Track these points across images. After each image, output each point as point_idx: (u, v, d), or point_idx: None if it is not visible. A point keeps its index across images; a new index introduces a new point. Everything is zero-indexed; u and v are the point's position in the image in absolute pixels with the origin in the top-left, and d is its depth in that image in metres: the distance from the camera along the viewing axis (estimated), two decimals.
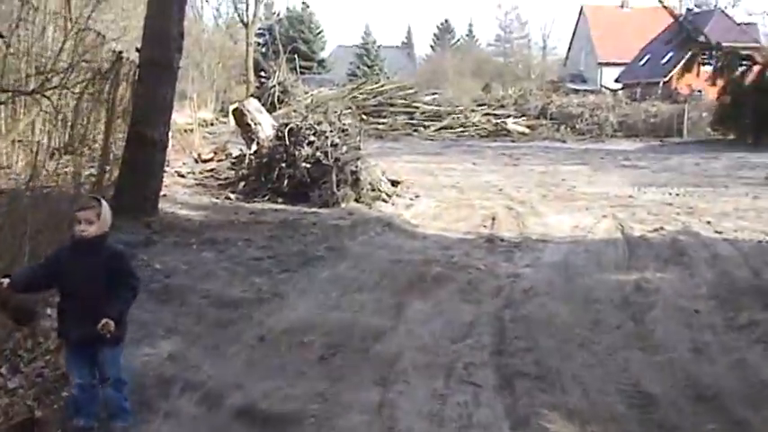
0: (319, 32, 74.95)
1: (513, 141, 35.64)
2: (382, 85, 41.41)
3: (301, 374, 5.92)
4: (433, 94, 43.34)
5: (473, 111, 40.09)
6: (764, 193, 16.19)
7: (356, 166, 14.67)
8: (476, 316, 7.55)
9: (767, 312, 7.66)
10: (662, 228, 12.41)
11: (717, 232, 12.07)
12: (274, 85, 39.93)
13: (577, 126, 38.87)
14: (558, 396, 5.58)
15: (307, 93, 39.52)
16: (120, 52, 11.21)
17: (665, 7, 9.04)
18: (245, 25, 53.18)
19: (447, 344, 6.70)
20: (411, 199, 15.64)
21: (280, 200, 14.32)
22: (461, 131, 38.25)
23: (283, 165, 14.64)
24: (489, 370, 6.09)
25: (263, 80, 46.57)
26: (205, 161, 19.93)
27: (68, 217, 5.26)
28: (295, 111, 19.29)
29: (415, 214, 13.94)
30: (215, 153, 20.98)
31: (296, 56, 52.09)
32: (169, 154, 15.47)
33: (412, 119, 38.83)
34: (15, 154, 9.29)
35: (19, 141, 9.18)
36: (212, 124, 36.85)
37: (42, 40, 11.09)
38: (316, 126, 15.14)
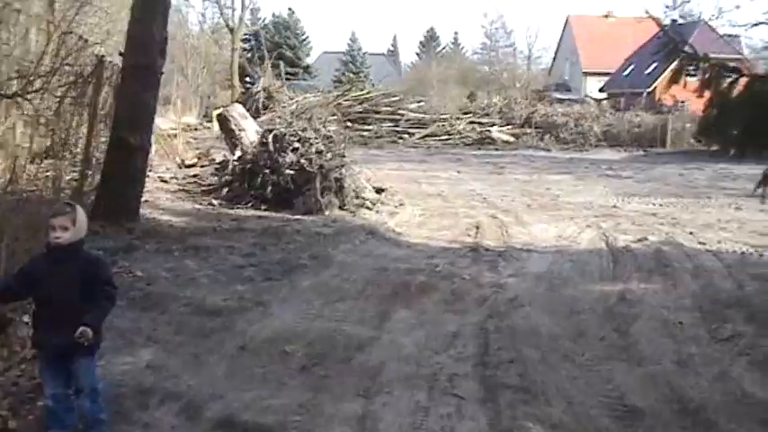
0: (305, 39, 74.90)
1: (497, 150, 35.69)
2: (368, 93, 41.39)
3: (283, 385, 5.85)
4: (419, 101, 43.31)
5: (458, 119, 40.11)
6: (747, 204, 16.25)
7: (340, 174, 14.62)
8: (460, 326, 7.51)
9: (750, 325, 7.67)
10: (646, 238, 12.43)
11: (700, 243, 12.11)
12: (259, 91, 39.88)
13: (562, 135, 38.96)
14: (541, 408, 5.54)
15: (292, 99, 39.39)
16: (103, 56, 11.13)
17: (652, 18, 9.03)
18: (231, 30, 53.00)
19: (430, 354, 6.64)
20: (395, 207, 15.59)
21: (263, 207, 14.23)
22: (446, 139, 38.27)
23: (267, 171, 14.56)
24: (473, 381, 6.04)
25: (248, 86, 46.48)
26: (188, 167, 19.85)
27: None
28: (280, 117, 19.19)
29: (399, 222, 13.89)
30: (198, 158, 20.90)
31: (281, 62, 52.08)
32: (152, 159, 15.40)
33: (397, 126, 38.82)
34: None
35: None
36: (196, 129, 36.66)
37: (25, 43, 11.00)
38: (300, 133, 15.08)
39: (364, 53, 77.77)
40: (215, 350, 6.54)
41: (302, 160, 14.46)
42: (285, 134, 15.03)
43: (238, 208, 14.30)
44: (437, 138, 38.27)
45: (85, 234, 4.69)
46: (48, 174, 9.34)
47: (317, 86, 50.77)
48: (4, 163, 8.75)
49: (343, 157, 15.24)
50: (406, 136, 38.18)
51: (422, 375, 6.12)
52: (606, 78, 59.65)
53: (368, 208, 14.76)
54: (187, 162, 20.34)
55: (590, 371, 6.35)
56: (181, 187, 16.78)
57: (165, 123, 26.11)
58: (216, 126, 24.32)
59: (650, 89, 48.45)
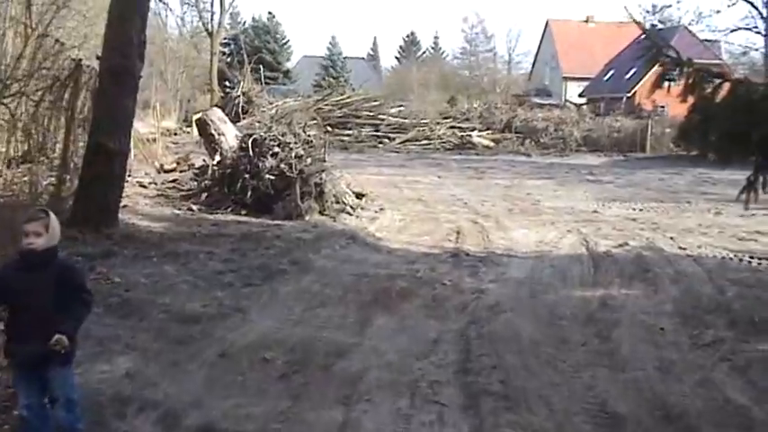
0: (285, 43, 74.77)
1: (477, 155, 35.79)
2: (348, 97, 41.40)
3: (262, 392, 5.78)
4: (399, 106, 43.40)
5: (438, 123, 40.20)
6: (727, 209, 16.33)
7: (321, 179, 14.56)
8: (441, 332, 7.47)
9: (731, 330, 7.67)
10: (626, 243, 12.45)
11: (680, 248, 12.14)
12: (239, 96, 39.75)
13: (542, 140, 39.13)
14: (523, 415, 5.50)
15: (271, 103, 39.33)
16: (80, 60, 11.01)
17: (635, 21, 9.01)
18: (210, 34, 52.73)
19: (412, 361, 6.60)
20: (376, 212, 15.57)
21: (243, 212, 14.14)
22: (426, 144, 38.33)
23: (247, 176, 14.47)
24: (454, 388, 6.00)
25: (227, 90, 46.29)
26: (168, 171, 19.69)
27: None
28: (259, 121, 19.17)
29: (379, 227, 13.85)
30: (178, 163, 20.75)
31: (261, 66, 51.91)
32: (131, 164, 15.27)
33: (377, 131, 38.85)
34: None
35: None
36: (176, 134, 36.52)
37: (1, 46, 10.87)
38: (280, 137, 15.01)
39: (344, 57, 77.78)
40: (194, 357, 6.46)
41: (282, 165, 14.39)
42: (265, 139, 14.96)
43: (218, 213, 14.19)
44: (417, 142, 38.35)
45: (59, 241, 4.61)
46: (25, 179, 9.24)
47: (296, 91, 50.68)
48: None
49: (324, 161, 15.19)
50: (386, 140, 38.23)
51: (403, 382, 6.07)
52: (586, 83, 59.90)
53: (348, 213, 14.70)
54: (166, 167, 20.18)
55: (572, 377, 6.33)
56: (160, 192, 16.65)
57: (145, 128, 25.95)
58: (195, 131, 24.17)
59: (630, 94, 48.77)
